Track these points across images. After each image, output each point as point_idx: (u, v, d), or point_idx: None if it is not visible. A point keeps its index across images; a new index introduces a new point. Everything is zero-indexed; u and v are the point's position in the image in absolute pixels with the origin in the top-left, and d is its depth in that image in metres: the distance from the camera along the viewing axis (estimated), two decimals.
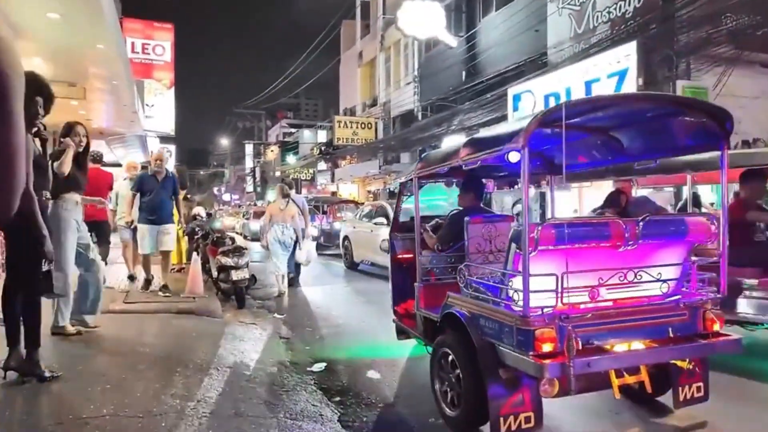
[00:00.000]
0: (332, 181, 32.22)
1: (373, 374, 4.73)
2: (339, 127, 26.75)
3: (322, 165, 36.38)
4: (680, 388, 3.37)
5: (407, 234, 4.88)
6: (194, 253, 8.99)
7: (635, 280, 3.09)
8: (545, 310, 2.86)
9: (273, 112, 59.19)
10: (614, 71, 11.62)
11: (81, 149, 4.87)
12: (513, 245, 3.08)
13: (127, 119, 15.89)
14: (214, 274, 8.24)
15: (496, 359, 3.07)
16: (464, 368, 3.31)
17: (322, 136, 39.37)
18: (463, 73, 19.83)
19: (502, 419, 2.98)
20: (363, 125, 27.07)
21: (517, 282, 2.97)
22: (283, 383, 4.27)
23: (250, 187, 56.94)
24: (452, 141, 14.46)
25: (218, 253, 7.94)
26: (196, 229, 10.46)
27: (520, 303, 2.90)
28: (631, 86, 11.18)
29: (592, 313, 2.96)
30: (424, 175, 4.42)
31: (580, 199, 12.29)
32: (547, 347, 2.81)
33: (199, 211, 12.73)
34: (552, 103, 13.14)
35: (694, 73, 11.37)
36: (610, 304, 3.06)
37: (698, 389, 3.41)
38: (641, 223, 3.05)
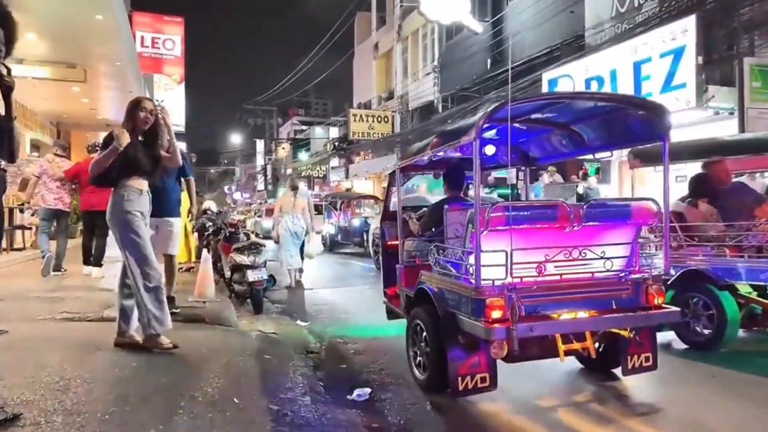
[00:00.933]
0: (346, 177, 31.13)
1: (436, 400, 3.65)
2: (354, 120, 25.70)
3: (335, 161, 35.40)
4: (628, 357, 3.71)
5: (396, 222, 5.00)
6: (204, 251, 7.98)
7: (579, 258, 3.46)
8: (496, 282, 3.28)
9: (284, 110, 58.35)
10: (668, 50, 10.45)
11: (147, 127, 4.07)
12: (470, 226, 3.45)
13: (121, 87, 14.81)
14: (227, 274, 7.21)
15: (456, 327, 3.44)
16: (430, 336, 3.74)
17: (334, 133, 38.46)
18: (488, 60, 18.71)
19: (459, 378, 3.40)
20: (379, 119, 26.00)
21: (473, 258, 3.32)
22: (322, 421, 3.19)
23: (261, 186, 56.10)
24: None
25: (232, 250, 6.89)
26: (207, 224, 9.44)
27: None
28: (689, 65, 10.02)
29: (538, 286, 3.37)
30: (408, 167, 4.88)
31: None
32: (496, 314, 3.20)
33: (210, 205, 11.77)
34: (594, 87, 12.02)
35: (759, 50, 10.18)
36: (557, 278, 3.45)
37: (646, 359, 3.75)
38: (585, 207, 3.47)
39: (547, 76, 13.65)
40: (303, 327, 6.12)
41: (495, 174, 12.37)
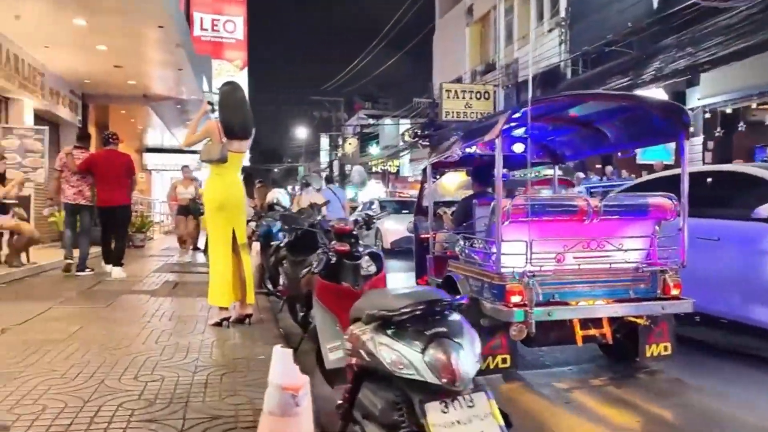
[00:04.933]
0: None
1: None
2: (447, 98, 20.89)
3: (412, 154, 30.95)
4: (647, 346, 3.84)
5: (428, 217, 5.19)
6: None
7: (598, 249, 3.71)
8: (516, 269, 3.51)
9: (350, 104, 54.77)
10: None
11: None
12: (492, 217, 3.71)
13: (172, 63, 10.72)
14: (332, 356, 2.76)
15: (479, 311, 3.62)
16: None
17: (405, 125, 34.10)
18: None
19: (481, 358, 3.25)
20: (478, 95, 21.16)
21: (495, 247, 3.57)
22: None
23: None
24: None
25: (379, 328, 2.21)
26: (275, 227, 6.65)
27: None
28: None
29: (556, 274, 3.66)
30: (438, 163, 5.23)
31: None
32: (515, 299, 3.44)
33: (279, 197, 7.94)
34: None
35: None
36: (575, 267, 3.69)
37: (665, 348, 3.86)
38: (603, 201, 3.73)
39: None
40: None
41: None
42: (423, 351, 1.90)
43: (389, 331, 2.03)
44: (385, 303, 2.14)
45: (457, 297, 2.14)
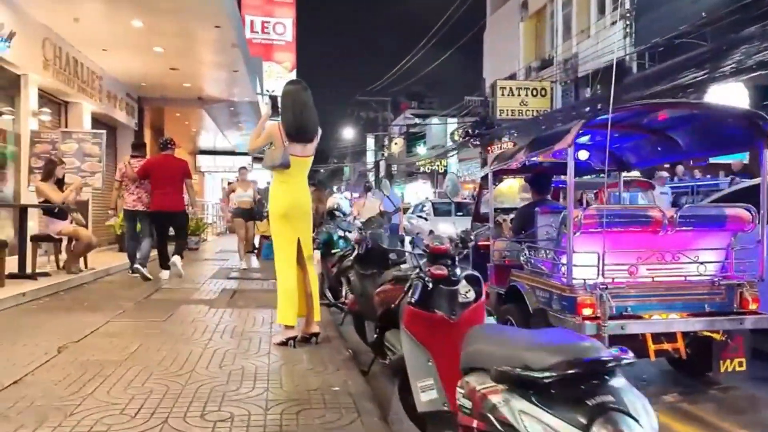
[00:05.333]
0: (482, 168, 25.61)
1: None
2: (502, 95, 20.19)
3: (456, 154, 30.28)
4: (721, 362, 3.66)
5: (486, 223, 5.16)
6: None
7: (672, 261, 3.62)
8: (587, 281, 3.44)
9: (396, 104, 54.40)
10: None
11: None
12: (563, 227, 3.65)
13: (228, 64, 10.62)
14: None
15: (546, 322, 3.62)
16: None
17: (453, 125, 33.44)
18: None
19: None
20: (534, 91, 20.37)
21: (565, 258, 3.52)
22: None
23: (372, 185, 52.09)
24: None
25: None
26: (337, 236, 6.42)
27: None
28: None
29: (628, 286, 3.54)
30: (499, 171, 5.14)
31: None
32: (586, 311, 3.36)
33: (339, 201, 7.68)
34: None
35: None
36: (649, 280, 3.61)
37: (739, 364, 3.66)
38: (678, 212, 3.60)
39: None
40: None
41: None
42: (587, 428, 1.43)
43: (533, 397, 1.57)
44: (521, 356, 1.67)
45: (620, 352, 1.63)
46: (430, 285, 2.58)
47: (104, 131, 9.05)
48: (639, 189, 8.59)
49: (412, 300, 2.56)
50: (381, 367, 3.73)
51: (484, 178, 5.62)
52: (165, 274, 7.65)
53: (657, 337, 3.58)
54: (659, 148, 4.68)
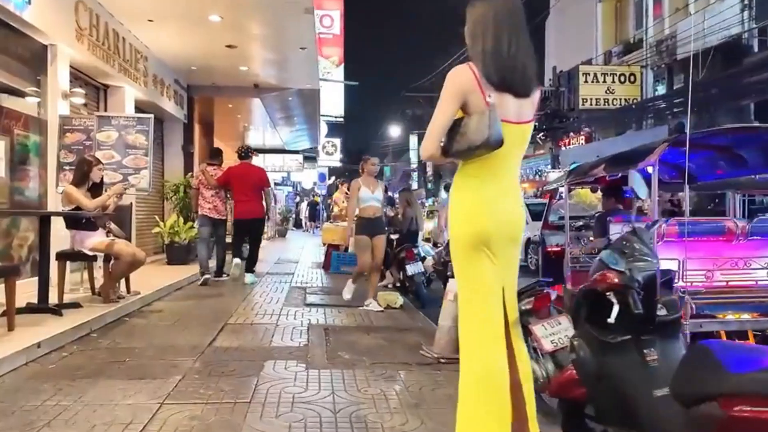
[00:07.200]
0: (553, 168, 23.09)
1: None
2: (585, 82, 17.87)
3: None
4: None
5: (555, 231, 5.83)
6: None
7: (744, 267, 3.83)
8: None
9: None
10: None
11: None
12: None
13: (294, 39, 8.76)
14: None
15: None
16: None
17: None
18: None
19: None
20: (622, 77, 17.92)
21: None
22: None
23: (415, 185, 50.79)
24: None
25: None
26: None
27: None
28: None
29: (706, 289, 3.73)
30: (573, 183, 5.37)
31: None
32: None
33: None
34: None
35: None
36: (723, 284, 3.80)
37: None
38: (750, 223, 3.86)
39: None
40: None
41: None
42: None
43: None
44: None
45: None
46: None
47: (151, 115, 7.18)
48: None
49: None
50: None
51: (555, 190, 5.95)
52: (249, 277, 7.86)
53: (729, 336, 3.80)
54: (723, 164, 4.82)
